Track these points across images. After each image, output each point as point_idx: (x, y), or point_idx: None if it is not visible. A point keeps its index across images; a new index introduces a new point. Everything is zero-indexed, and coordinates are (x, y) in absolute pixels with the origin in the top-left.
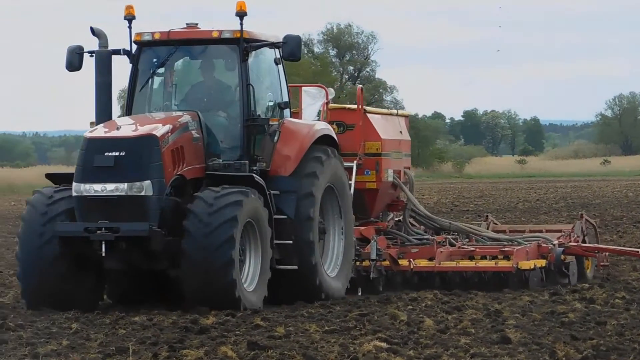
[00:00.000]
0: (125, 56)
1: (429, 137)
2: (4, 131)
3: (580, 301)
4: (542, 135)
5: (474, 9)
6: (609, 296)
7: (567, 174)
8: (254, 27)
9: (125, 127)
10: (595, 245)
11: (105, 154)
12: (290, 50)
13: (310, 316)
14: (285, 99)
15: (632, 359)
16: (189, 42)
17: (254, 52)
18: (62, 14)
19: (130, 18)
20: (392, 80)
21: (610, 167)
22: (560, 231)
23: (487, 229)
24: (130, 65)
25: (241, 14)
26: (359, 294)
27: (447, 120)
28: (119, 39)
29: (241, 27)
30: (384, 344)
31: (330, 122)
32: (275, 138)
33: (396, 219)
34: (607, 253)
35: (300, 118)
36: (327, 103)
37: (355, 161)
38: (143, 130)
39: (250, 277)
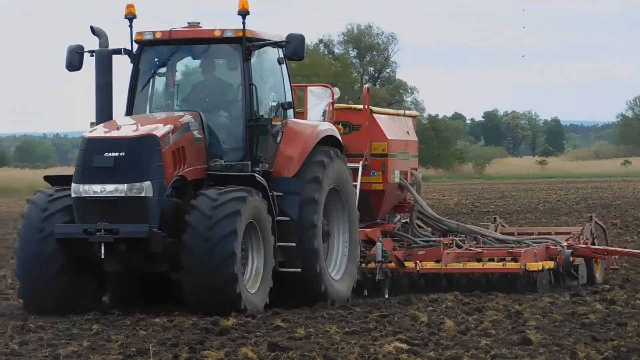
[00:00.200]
0: (126, 56)
1: (449, 137)
2: (24, 132)
3: (601, 302)
4: (562, 136)
5: (496, 9)
6: (630, 297)
7: (588, 175)
8: (272, 27)
9: (126, 127)
10: (604, 247)
11: (105, 155)
12: (294, 49)
13: (330, 317)
14: (289, 99)
15: None
16: (191, 42)
17: (256, 52)
18: (62, 13)
19: (131, 17)
20: (413, 81)
21: (631, 167)
22: (569, 233)
23: (496, 231)
24: (131, 64)
25: (243, 13)
26: (365, 294)
27: (468, 121)
28: (119, 38)
29: (243, 26)
30: (404, 345)
31: (336, 123)
32: (278, 139)
33: (403, 220)
34: (617, 256)
35: (306, 118)
36: (332, 103)
37: (361, 162)
38: (143, 130)
39: (253, 278)
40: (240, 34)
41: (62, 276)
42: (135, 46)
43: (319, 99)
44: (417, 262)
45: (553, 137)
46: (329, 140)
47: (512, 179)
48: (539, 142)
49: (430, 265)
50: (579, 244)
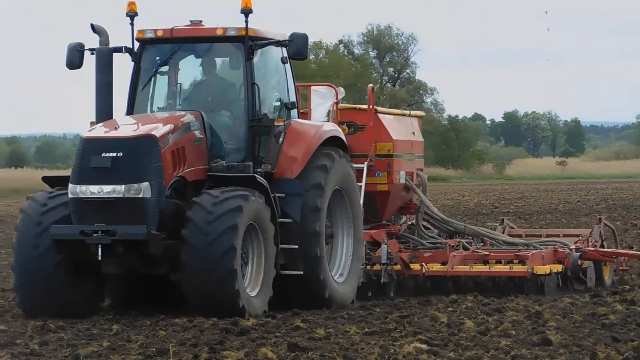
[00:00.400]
0: (127, 54)
1: (469, 138)
2: (44, 133)
3: (621, 303)
4: (582, 136)
5: (517, 10)
6: None
7: (608, 176)
8: (291, 27)
9: (124, 126)
10: (613, 250)
11: (102, 155)
12: (297, 49)
13: (350, 318)
14: (293, 98)
15: None
16: (193, 40)
17: (259, 51)
18: (62, 12)
19: (132, 15)
20: (433, 82)
21: None
22: (577, 236)
23: (503, 233)
24: (132, 63)
25: (246, 11)
26: (369, 295)
27: (488, 122)
28: (120, 36)
29: (246, 24)
30: (424, 346)
31: (341, 123)
32: (281, 139)
33: (409, 222)
34: (626, 258)
35: (310, 118)
36: (337, 103)
37: (366, 163)
38: (142, 130)
39: (254, 280)
40: (243, 32)
41: (59, 274)
42: (137, 44)
43: (323, 99)
44: (423, 264)
45: (573, 137)
46: (333, 141)
47: (532, 179)
48: (559, 142)
49: (436, 267)
50: (588, 246)
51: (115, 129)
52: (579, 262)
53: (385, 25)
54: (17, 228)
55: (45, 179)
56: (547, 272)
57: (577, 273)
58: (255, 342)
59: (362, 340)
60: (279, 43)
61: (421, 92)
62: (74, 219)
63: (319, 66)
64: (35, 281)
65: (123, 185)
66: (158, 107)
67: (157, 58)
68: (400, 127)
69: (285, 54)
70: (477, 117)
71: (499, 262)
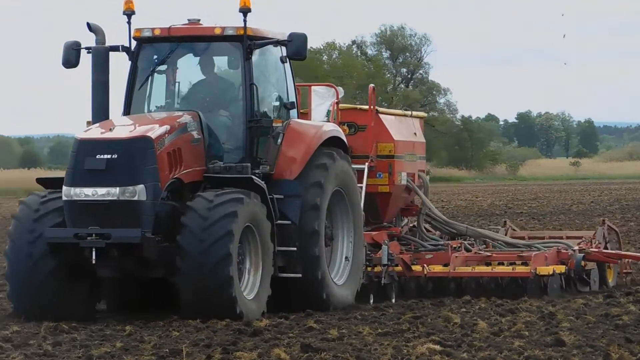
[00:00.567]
0: (124, 53)
1: (482, 139)
2: (58, 133)
3: (634, 304)
4: (596, 137)
5: (531, 11)
6: None
7: (622, 176)
8: (305, 28)
9: (120, 127)
10: (617, 251)
11: (97, 157)
12: (296, 48)
13: (363, 318)
14: (292, 99)
15: None
16: (191, 39)
17: (258, 50)
18: (61, 10)
19: (129, 13)
20: (446, 83)
21: None
22: (581, 237)
23: (506, 235)
24: (130, 62)
25: (245, 10)
26: (371, 301)
27: (501, 122)
28: (117, 35)
29: (245, 23)
30: (437, 347)
31: (341, 123)
32: (279, 140)
33: (411, 224)
34: (630, 260)
35: (310, 118)
36: (337, 103)
37: (366, 163)
38: (137, 131)
39: (251, 283)
40: (242, 32)
41: (53, 280)
42: (134, 43)
43: (322, 99)
44: (425, 265)
45: (586, 138)
46: (333, 141)
47: (545, 180)
48: (573, 143)
49: (438, 269)
50: (591, 248)
51: (110, 130)
52: (583, 263)
53: (398, 26)
54: (10, 234)
55: (39, 181)
56: (550, 272)
57: (581, 274)
58: (268, 343)
59: (375, 341)
60: (277, 43)
61: (434, 92)
62: (68, 222)
63: (332, 67)
64: (29, 287)
65: (118, 188)
66: (156, 107)
67: (155, 57)
68: (402, 127)
69: (285, 54)
70: (491, 118)
71: (501, 263)
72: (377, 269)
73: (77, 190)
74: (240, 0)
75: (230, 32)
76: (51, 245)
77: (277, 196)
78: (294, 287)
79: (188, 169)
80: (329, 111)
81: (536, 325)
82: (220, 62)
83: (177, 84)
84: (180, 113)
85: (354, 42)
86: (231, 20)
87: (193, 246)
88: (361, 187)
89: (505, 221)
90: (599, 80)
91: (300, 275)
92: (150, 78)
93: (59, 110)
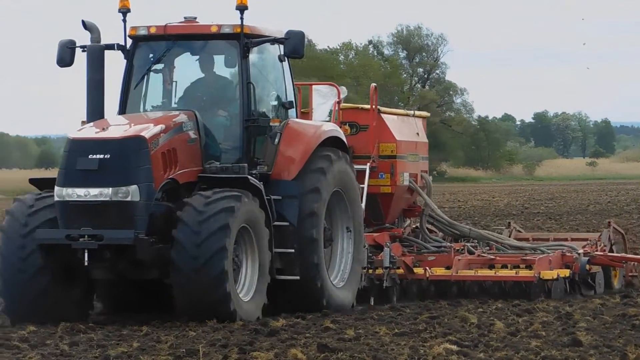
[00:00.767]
0: (120, 51)
1: (499, 139)
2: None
3: None
4: (613, 137)
5: (547, 11)
6: None
7: (638, 176)
8: (321, 29)
9: (114, 127)
10: (622, 254)
11: (89, 157)
12: (293, 46)
13: (380, 319)
14: (291, 98)
15: None
16: (187, 37)
17: (256, 49)
18: (59, 8)
19: (124, 11)
20: (462, 83)
21: None
22: (586, 240)
23: (510, 236)
24: (125, 61)
25: (241, 8)
26: (371, 303)
27: (518, 122)
28: (113, 33)
29: (241, 21)
30: (454, 347)
31: (343, 123)
32: (276, 140)
33: (414, 225)
34: (636, 263)
35: (311, 118)
36: (338, 102)
37: (368, 164)
38: (131, 131)
39: (247, 286)
40: (238, 29)
41: (48, 290)
42: (129, 41)
43: (324, 98)
44: (427, 268)
45: (603, 138)
46: (333, 141)
47: (562, 180)
48: (589, 143)
49: (440, 271)
50: (596, 251)
51: (104, 129)
52: (588, 266)
53: (415, 26)
54: (2, 230)
55: (32, 181)
56: (555, 277)
57: (586, 278)
58: (285, 343)
59: (392, 341)
60: (275, 41)
61: (451, 92)
62: (60, 223)
63: (348, 67)
64: (22, 288)
65: (110, 189)
66: (152, 106)
67: (150, 56)
68: (404, 127)
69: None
70: (507, 118)
71: (504, 266)
72: (379, 271)
73: (69, 190)
74: None
75: (226, 30)
76: (43, 246)
77: (275, 197)
78: (293, 290)
79: (183, 169)
80: (330, 111)
81: (553, 325)
82: (217, 61)
83: (173, 83)
84: (176, 112)
85: (370, 42)
86: (228, 18)
87: (188, 239)
88: (362, 188)
89: (509, 222)
90: (615, 80)
91: (298, 277)
92: (146, 77)
93: (76, 110)
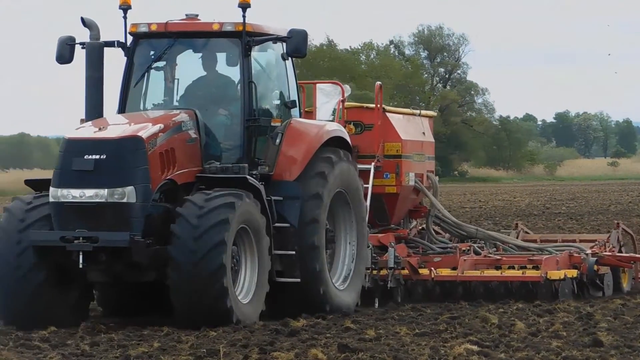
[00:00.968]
0: (120, 49)
1: (520, 139)
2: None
3: None
4: (634, 137)
5: (568, 9)
6: None
7: None
8: (342, 29)
9: (111, 127)
10: (631, 255)
11: (85, 157)
12: (295, 45)
13: (400, 319)
14: (293, 97)
15: None
16: (188, 35)
17: (258, 47)
18: (59, 8)
19: (125, 7)
20: (484, 83)
21: None
22: (594, 241)
23: (517, 237)
24: (125, 58)
25: (244, 6)
26: (376, 305)
27: (539, 122)
28: (113, 30)
29: (244, 19)
30: (475, 347)
31: (347, 122)
32: (277, 140)
33: (420, 227)
34: None
35: (315, 117)
36: (343, 101)
37: (372, 163)
38: (128, 131)
39: (246, 288)
40: (240, 27)
41: (43, 293)
42: (130, 39)
43: (328, 97)
44: (432, 269)
45: (625, 138)
46: (336, 141)
47: (583, 180)
48: (611, 143)
49: (445, 272)
50: (605, 251)
51: (101, 129)
52: (596, 267)
53: (436, 26)
54: None
55: (28, 182)
56: (562, 277)
57: (594, 279)
58: (305, 343)
59: (413, 342)
60: (277, 39)
61: (472, 92)
62: (55, 225)
63: (369, 67)
64: (16, 288)
65: (106, 190)
66: (152, 105)
67: (151, 53)
68: (410, 126)
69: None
70: (528, 118)
71: (511, 267)
72: (383, 272)
73: (65, 191)
74: None
75: (228, 28)
76: (37, 248)
77: (276, 198)
78: (295, 295)
79: (182, 170)
80: (334, 110)
81: (574, 325)
82: (219, 59)
83: (173, 81)
84: (176, 111)
85: (391, 42)
86: (230, 16)
87: (185, 257)
88: (367, 188)
89: (517, 223)
90: (637, 80)
91: (299, 280)
92: (146, 75)
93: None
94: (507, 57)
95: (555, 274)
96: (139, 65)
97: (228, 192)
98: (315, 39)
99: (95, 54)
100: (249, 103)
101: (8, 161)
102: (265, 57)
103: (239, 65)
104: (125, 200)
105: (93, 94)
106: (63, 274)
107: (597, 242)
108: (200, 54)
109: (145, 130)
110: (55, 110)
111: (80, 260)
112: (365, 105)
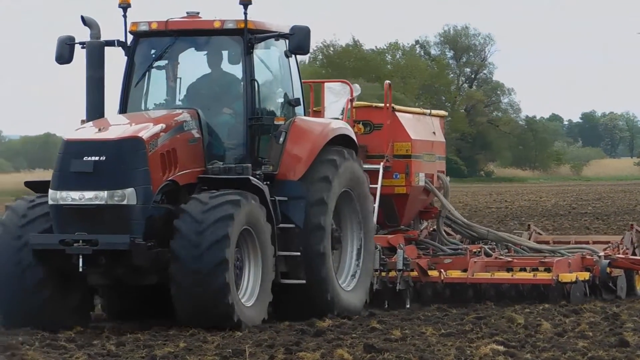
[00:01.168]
0: (120, 48)
1: (546, 139)
2: None
3: None
4: None
5: (595, 9)
6: None
7: None
8: (367, 30)
9: (111, 127)
10: None
11: (84, 159)
12: (298, 42)
13: (426, 319)
14: (297, 95)
15: None
16: (189, 33)
17: (261, 44)
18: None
19: (125, 6)
20: (510, 82)
21: None
22: (608, 243)
23: (529, 239)
24: (125, 57)
25: (245, 3)
26: (386, 306)
27: (565, 122)
28: (113, 29)
29: (245, 16)
30: (501, 347)
31: (356, 121)
32: (281, 139)
33: (431, 228)
34: None
35: (323, 116)
36: (351, 100)
37: (382, 163)
38: (128, 131)
39: (250, 290)
40: (242, 25)
41: (44, 296)
42: (130, 38)
43: (336, 96)
44: (442, 271)
45: None
46: (342, 140)
47: (609, 180)
48: (637, 143)
49: (455, 274)
50: (618, 254)
51: (100, 130)
52: (608, 270)
53: (462, 26)
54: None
55: (28, 184)
56: (573, 280)
57: (607, 282)
58: (331, 343)
59: (439, 342)
60: (279, 36)
61: (498, 92)
62: (55, 227)
63: (395, 67)
64: (17, 286)
65: (106, 192)
66: (154, 104)
67: (152, 52)
68: (420, 126)
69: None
70: (555, 118)
71: (523, 269)
72: (392, 273)
73: (64, 193)
74: None
75: (230, 26)
76: (36, 252)
77: (280, 198)
78: (300, 298)
79: (184, 170)
80: (343, 109)
81: (600, 325)
82: (220, 57)
83: (175, 80)
84: (178, 111)
85: (417, 42)
86: (232, 14)
87: (187, 251)
88: (376, 189)
89: (529, 225)
90: None
91: (304, 281)
92: (147, 74)
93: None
94: (533, 57)
95: (567, 277)
96: (139, 65)
97: (226, 198)
98: (341, 39)
99: (96, 53)
100: (251, 101)
101: (34, 162)
102: (268, 54)
103: (241, 63)
104: (125, 202)
105: (94, 94)
106: (63, 279)
107: (610, 244)
108: (201, 53)
109: (146, 131)
110: (72, 110)
111: (80, 264)
112: (374, 104)
